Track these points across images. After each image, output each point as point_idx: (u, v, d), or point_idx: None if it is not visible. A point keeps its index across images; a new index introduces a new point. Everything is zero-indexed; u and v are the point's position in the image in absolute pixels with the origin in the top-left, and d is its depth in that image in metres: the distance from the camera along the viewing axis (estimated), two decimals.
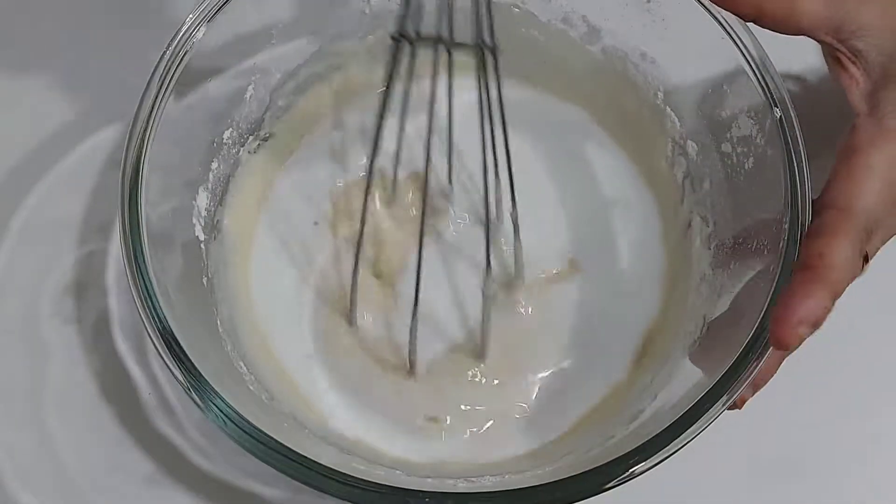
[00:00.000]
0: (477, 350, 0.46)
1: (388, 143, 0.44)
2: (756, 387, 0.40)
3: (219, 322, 0.43)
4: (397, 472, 0.41)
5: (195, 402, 0.37)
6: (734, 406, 0.38)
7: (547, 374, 0.46)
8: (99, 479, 0.46)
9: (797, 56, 0.49)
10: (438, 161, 0.47)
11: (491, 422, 0.45)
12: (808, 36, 0.39)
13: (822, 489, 0.47)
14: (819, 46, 0.40)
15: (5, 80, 0.52)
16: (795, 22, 0.38)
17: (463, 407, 0.45)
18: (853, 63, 0.39)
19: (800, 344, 0.36)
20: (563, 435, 0.45)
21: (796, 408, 0.47)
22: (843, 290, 0.37)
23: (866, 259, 0.38)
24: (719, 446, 0.42)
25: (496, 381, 0.46)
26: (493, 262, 0.44)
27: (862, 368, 0.49)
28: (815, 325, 0.36)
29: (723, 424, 0.37)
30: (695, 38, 0.44)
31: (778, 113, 0.42)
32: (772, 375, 0.40)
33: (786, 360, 0.40)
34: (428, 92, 0.40)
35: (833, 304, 0.36)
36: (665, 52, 0.47)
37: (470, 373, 0.46)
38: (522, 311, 0.47)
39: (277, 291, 0.47)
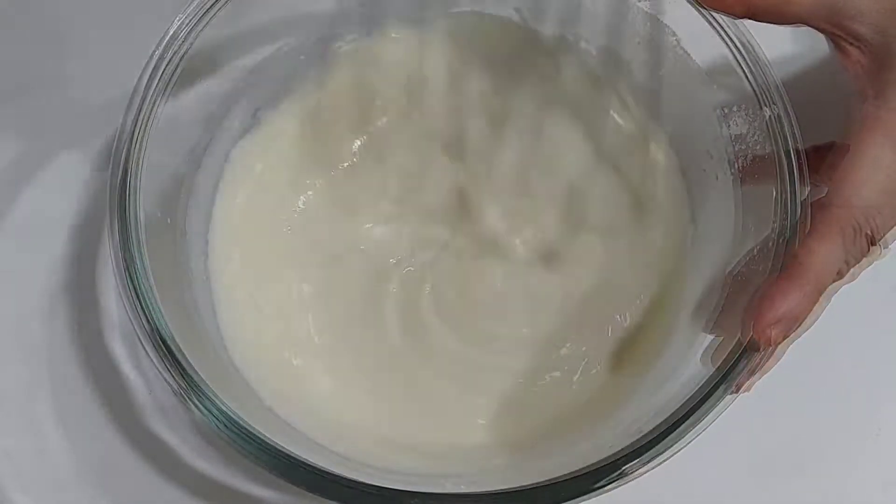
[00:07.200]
0: None
1: None
2: (763, 371, 0.40)
3: (216, 326, 0.43)
4: (399, 472, 0.41)
5: (191, 408, 0.37)
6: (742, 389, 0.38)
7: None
8: (96, 483, 0.46)
9: (792, 49, 0.49)
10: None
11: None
12: (805, 24, 0.39)
13: (827, 485, 0.47)
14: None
15: None
16: (789, 11, 0.38)
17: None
18: (855, 47, 0.38)
19: (779, 343, 0.36)
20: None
21: (799, 403, 0.47)
22: (823, 290, 0.37)
23: (872, 241, 0.37)
24: (721, 443, 0.42)
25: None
26: None
27: (865, 361, 0.49)
28: (791, 324, 0.36)
29: (724, 421, 0.38)
30: (685, 37, 0.44)
31: (775, 110, 0.42)
32: (778, 359, 0.40)
33: (789, 352, 0.41)
34: None
35: (813, 303, 0.37)
36: None
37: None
38: None
39: (274, 294, 0.47)
